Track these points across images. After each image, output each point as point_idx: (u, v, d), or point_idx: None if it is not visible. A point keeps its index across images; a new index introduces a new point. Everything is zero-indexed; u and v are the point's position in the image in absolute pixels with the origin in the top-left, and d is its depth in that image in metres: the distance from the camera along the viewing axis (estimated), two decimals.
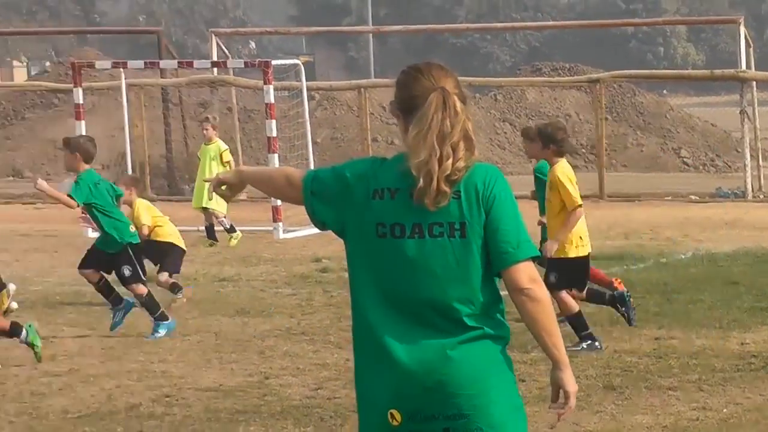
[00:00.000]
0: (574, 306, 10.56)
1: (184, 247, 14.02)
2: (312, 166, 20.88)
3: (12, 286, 12.15)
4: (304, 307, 13.57)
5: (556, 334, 4.39)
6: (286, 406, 9.43)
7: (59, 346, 11.55)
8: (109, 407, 9.48)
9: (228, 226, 18.92)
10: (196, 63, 24.86)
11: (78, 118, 20.07)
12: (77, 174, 12.29)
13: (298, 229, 19.10)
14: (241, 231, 19.32)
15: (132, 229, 12.33)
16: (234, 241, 18.77)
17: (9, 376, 10.38)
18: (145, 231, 13.47)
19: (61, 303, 13.99)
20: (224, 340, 11.77)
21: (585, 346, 10.46)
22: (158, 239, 13.83)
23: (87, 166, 12.44)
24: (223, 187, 4.84)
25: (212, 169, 18.74)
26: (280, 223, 19.05)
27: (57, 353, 11.22)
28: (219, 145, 19.43)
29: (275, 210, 19.16)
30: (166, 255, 13.67)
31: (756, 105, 24.39)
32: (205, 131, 19.79)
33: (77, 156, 12.51)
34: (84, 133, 19.98)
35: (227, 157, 19.23)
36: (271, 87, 19.53)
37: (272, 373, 10.44)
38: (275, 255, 17.62)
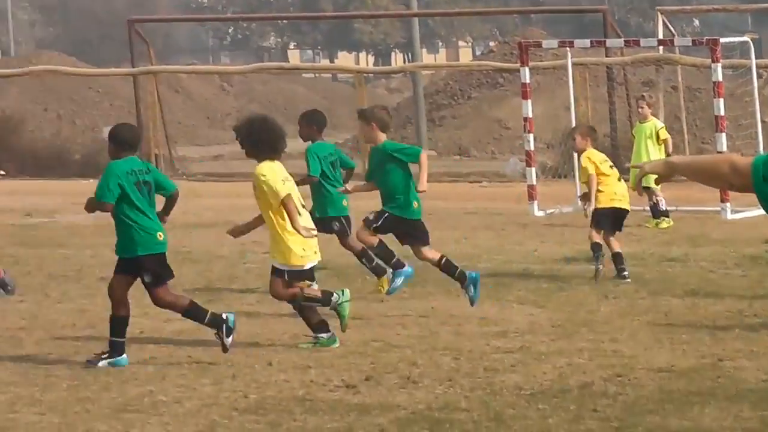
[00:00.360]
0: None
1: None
2: (761, 147, 21.08)
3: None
4: (756, 289, 13.76)
5: None
6: (741, 389, 9.56)
7: (510, 324, 12.33)
8: (561, 385, 9.90)
9: (663, 209, 19.38)
10: (643, 41, 25.35)
11: (524, 97, 21.51)
12: (375, 144, 12.79)
13: (747, 210, 19.34)
14: (687, 211, 19.96)
15: None
16: (664, 224, 19.21)
17: (462, 351, 11.07)
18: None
19: (510, 280, 14.87)
20: (674, 321, 12.30)
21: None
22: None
23: (384, 136, 12.82)
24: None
25: (647, 147, 18.93)
26: (728, 204, 19.25)
27: (508, 330, 12.00)
28: (655, 123, 19.54)
29: (723, 191, 19.65)
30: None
31: None
32: (640, 109, 20.17)
33: (373, 126, 12.86)
34: (529, 114, 21.04)
35: (664, 135, 19.31)
36: (719, 65, 19.73)
37: (726, 356, 10.67)
38: (724, 235, 17.98)
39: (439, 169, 28.14)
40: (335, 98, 47.26)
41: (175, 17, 66.41)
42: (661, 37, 25.99)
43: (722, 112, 19.42)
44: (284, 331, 11.89)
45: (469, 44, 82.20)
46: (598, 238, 14.08)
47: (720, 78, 19.39)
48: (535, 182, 20.54)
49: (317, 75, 55.40)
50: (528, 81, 20.90)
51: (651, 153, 18.65)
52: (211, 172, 30.49)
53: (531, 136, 20.67)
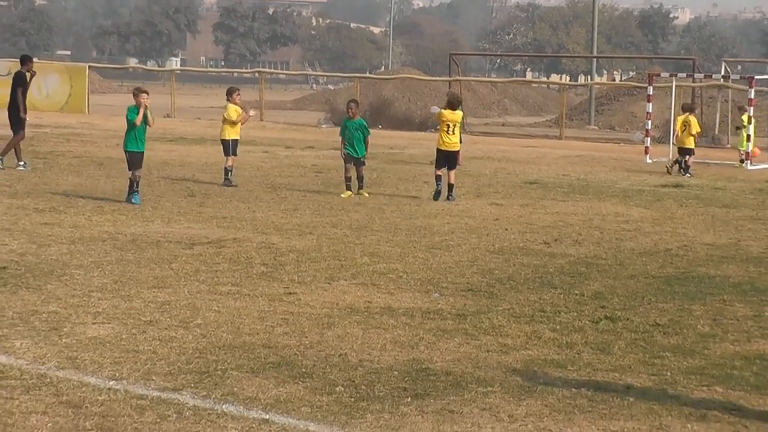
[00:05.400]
0: None
1: None
2: None
3: None
4: (761, 206, 19.97)
5: None
6: (749, 256, 13.27)
7: (630, 216, 17.31)
8: (654, 249, 13.94)
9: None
10: (714, 76, 36.85)
11: (648, 101, 31.54)
12: None
13: (759, 165, 27.83)
14: (726, 164, 28.68)
15: None
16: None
17: (604, 228, 15.87)
18: None
19: (633, 193, 21.34)
20: (716, 219, 17.27)
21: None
22: None
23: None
24: None
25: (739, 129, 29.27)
26: (749, 161, 29.16)
27: (629, 219, 16.91)
28: (743, 117, 27.36)
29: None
30: None
31: None
32: (739, 108, 28.69)
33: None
34: (649, 110, 31.43)
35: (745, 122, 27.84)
36: (753, 90, 29.98)
37: (742, 238, 15.08)
38: (745, 177, 25.79)
39: (599, 135, 43.90)
40: (549, 97, 73.76)
41: (483, 53, 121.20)
42: (722, 74, 37.64)
43: (752, 113, 28.69)
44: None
45: (619, 72, 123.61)
46: (691, 161, 23.70)
47: (752, 96, 29.21)
48: (649, 145, 30.44)
49: (540, 85, 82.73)
50: (651, 93, 30.52)
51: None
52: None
53: (649, 122, 30.88)
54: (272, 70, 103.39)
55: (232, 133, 20.26)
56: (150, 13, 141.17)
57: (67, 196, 17.52)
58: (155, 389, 7.12)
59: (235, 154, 20.33)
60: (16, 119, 21.89)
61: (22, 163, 21.69)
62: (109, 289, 10.28)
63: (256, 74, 55.20)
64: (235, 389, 7.19)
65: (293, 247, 13.18)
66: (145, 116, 17.00)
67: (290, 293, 10.40)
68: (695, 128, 26.30)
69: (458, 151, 19.37)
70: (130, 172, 16.95)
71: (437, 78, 55.92)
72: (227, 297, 10.14)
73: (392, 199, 18.85)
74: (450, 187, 19.04)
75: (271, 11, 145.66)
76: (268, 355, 8.05)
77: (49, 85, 47.16)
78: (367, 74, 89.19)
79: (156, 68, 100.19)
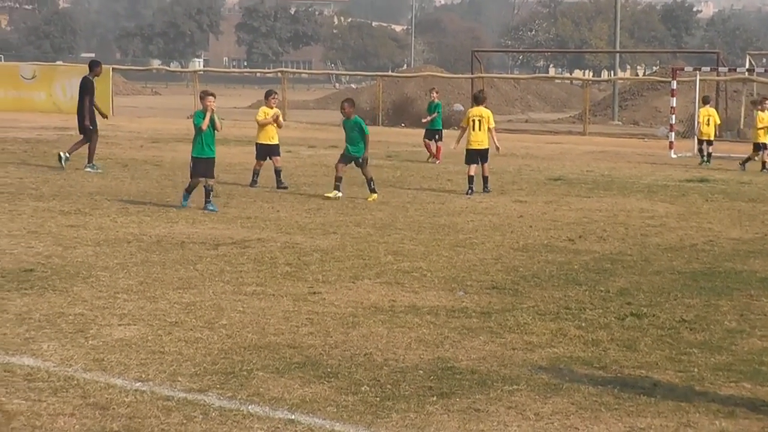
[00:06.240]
0: None
1: None
2: None
3: None
4: None
5: None
6: None
7: (655, 212, 17.25)
8: (680, 244, 14.00)
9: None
10: (738, 69, 37.50)
11: (672, 95, 31.67)
12: None
13: None
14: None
15: None
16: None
17: (629, 225, 15.81)
18: None
19: (658, 188, 21.33)
20: (743, 214, 17.19)
21: None
22: None
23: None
24: None
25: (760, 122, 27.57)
26: None
27: (654, 215, 16.87)
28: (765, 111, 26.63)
29: None
30: None
31: None
32: (760, 105, 27.05)
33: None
34: (673, 105, 31.35)
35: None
36: None
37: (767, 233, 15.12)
38: None
39: (622, 131, 43.36)
40: (572, 93, 73.83)
41: (506, 49, 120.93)
42: (747, 67, 37.67)
43: None
44: None
45: (643, 67, 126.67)
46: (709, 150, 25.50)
47: None
48: (673, 139, 30.31)
49: (563, 81, 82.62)
50: (675, 88, 30.30)
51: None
52: None
53: (673, 116, 30.63)
54: (295, 70, 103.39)
55: (261, 137, 20.16)
56: (173, 15, 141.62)
57: (92, 197, 17.59)
58: (181, 390, 7.13)
59: (262, 158, 20.08)
60: (84, 127, 22.00)
61: (91, 164, 21.81)
62: (135, 291, 10.31)
63: (279, 74, 55.29)
64: (261, 390, 7.19)
65: (317, 247, 13.19)
66: (212, 120, 16.38)
67: (315, 293, 10.42)
68: (717, 119, 27.83)
69: (487, 148, 19.38)
70: (193, 178, 16.48)
71: (459, 75, 56.08)
72: (252, 297, 10.15)
73: (416, 198, 18.86)
74: (485, 179, 19.52)
75: (293, 11, 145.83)
76: (293, 355, 8.06)
77: (73, 87, 47.29)
78: (390, 72, 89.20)
79: (179, 69, 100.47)
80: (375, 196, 18.18)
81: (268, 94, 20.16)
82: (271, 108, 20.10)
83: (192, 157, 16.62)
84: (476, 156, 19.46)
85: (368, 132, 18.39)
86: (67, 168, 21.80)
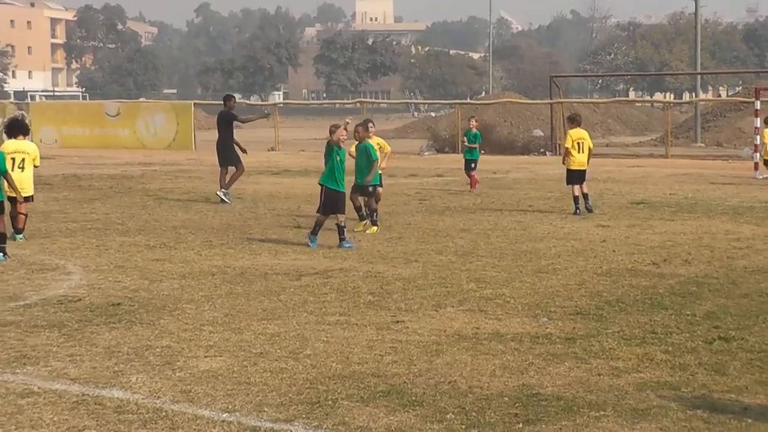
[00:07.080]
0: None
1: None
2: None
3: None
4: None
5: None
6: None
7: (739, 234, 17.27)
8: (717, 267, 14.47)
9: None
10: None
11: (755, 116, 31.36)
12: None
13: None
14: None
15: None
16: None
17: (716, 247, 16.01)
18: None
19: (743, 210, 21.20)
20: None
21: None
22: None
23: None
24: None
25: None
26: None
27: (740, 237, 16.89)
28: None
29: None
30: None
31: None
32: None
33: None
34: (757, 125, 30.65)
35: None
36: None
37: None
38: None
39: (705, 153, 43.26)
40: (653, 116, 74.93)
41: (584, 74, 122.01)
42: None
43: None
44: None
45: (725, 88, 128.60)
46: None
47: None
48: (758, 160, 29.20)
49: (644, 104, 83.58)
50: (758, 108, 30.04)
51: None
52: None
53: (758, 137, 29.54)
54: (373, 100, 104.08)
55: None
56: (252, 49, 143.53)
57: (176, 231, 17.86)
58: (268, 420, 7.20)
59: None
60: (226, 156, 22.77)
61: (223, 192, 22.58)
62: (220, 323, 10.44)
63: (358, 104, 55.72)
64: (347, 419, 7.23)
65: (399, 275, 13.24)
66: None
67: (398, 321, 10.46)
68: None
69: (585, 170, 20.41)
70: (319, 214, 15.87)
71: (538, 101, 55.95)
72: (335, 327, 10.22)
73: (497, 224, 18.89)
74: (585, 196, 20.32)
75: (370, 41, 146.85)
76: (377, 384, 8.09)
77: (156, 123, 48.20)
78: (468, 100, 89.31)
79: (260, 103, 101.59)
80: (375, 228, 17.62)
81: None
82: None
83: (322, 186, 15.96)
84: (579, 177, 20.33)
85: (376, 157, 17.63)
86: (232, 203, 22.49)
